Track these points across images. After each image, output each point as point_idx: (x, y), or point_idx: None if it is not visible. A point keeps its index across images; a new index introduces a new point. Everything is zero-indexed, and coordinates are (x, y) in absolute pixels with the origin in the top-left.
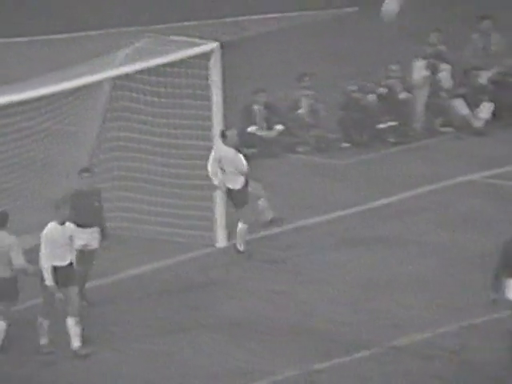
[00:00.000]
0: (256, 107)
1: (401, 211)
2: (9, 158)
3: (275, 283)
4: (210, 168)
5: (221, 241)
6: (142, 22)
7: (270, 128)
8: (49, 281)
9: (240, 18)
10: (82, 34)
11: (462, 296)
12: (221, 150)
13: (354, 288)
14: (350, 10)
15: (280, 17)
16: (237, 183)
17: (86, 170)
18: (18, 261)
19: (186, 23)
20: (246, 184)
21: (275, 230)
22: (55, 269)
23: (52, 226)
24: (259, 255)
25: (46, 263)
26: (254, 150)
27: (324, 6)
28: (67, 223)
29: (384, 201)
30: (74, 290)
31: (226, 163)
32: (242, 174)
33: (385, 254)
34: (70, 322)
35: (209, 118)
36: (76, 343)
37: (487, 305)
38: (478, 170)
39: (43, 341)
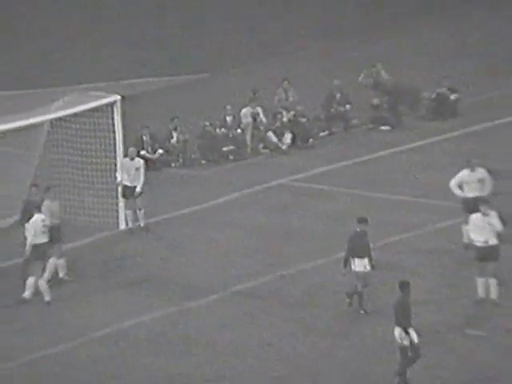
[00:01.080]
0: (144, 137)
1: (239, 203)
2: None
3: (162, 252)
4: (118, 174)
5: (121, 224)
6: (69, 83)
7: (154, 151)
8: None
9: (134, 81)
10: (25, 91)
11: (277, 257)
12: (124, 163)
13: (212, 256)
14: (204, 75)
15: (158, 80)
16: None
17: (35, 185)
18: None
19: (99, 84)
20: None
21: (160, 217)
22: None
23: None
24: (152, 233)
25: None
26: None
27: (189, 72)
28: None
29: (227, 197)
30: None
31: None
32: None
33: (234, 233)
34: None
35: (113, 144)
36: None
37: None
38: (285, 176)
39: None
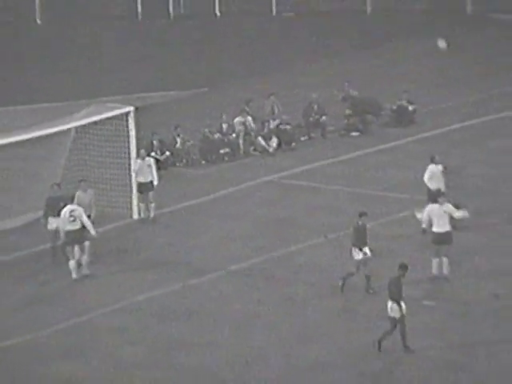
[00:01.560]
0: (154, 142)
1: (234, 197)
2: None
3: (169, 238)
4: (133, 173)
5: (134, 214)
6: (91, 96)
7: (162, 153)
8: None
9: (145, 94)
10: (54, 104)
11: (266, 242)
12: (138, 163)
13: (211, 241)
14: (204, 89)
15: (165, 94)
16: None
17: (57, 184)
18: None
19: (115, 97)
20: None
21: (168, 209)
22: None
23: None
24: (160, 222)
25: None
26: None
27: (191, 87)
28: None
29: (224, 192)
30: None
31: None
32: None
33: (230, 222)
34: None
35: (128, 147)
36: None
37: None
38: (272, 174)
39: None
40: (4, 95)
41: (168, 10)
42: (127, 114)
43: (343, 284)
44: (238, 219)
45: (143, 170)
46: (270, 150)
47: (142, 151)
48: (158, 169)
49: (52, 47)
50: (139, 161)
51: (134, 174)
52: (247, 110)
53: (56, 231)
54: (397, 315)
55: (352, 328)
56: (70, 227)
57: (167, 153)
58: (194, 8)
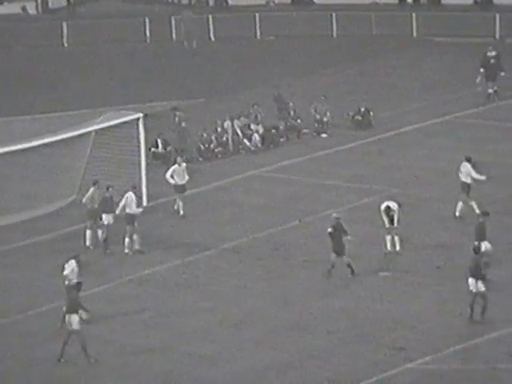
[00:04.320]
0: (159, 140)
1: (225, 187)
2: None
3: (172, 221)
4: (169, 178)
5: (144, 202)
6: (108, 104)
7: (166, 150)
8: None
9: (152, 103)
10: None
11: (252, 224)
12: (175, 169)
13: (206, 223)
14: (201, 100)
15: (168, 103)
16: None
17: (110, 186)
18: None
19: (128, 105)
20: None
21: (171, 197)
22: None
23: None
24: (165, 208)
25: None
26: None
27: (191, 98)
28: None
29: (217, 183)
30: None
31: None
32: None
33: (222, 208)
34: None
35: (138, 147)
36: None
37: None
38: (257, 168)
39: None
40: (37, 105)
41: (171, 34)
42: (138, 119)
43: (329, 271)
44: (228, 205)
45: (180, 174)
46: (252, 148)
47: (179, 158)
48: (162, 163)
49: (77, 66)
50: (176, 166)
51: (171, 180)
52: (234, 116)
53: (108, 226)
54: (475, 290)
55: (324, 294)
56: (128, 211)
57: (169, 147)
58: (193, 33)
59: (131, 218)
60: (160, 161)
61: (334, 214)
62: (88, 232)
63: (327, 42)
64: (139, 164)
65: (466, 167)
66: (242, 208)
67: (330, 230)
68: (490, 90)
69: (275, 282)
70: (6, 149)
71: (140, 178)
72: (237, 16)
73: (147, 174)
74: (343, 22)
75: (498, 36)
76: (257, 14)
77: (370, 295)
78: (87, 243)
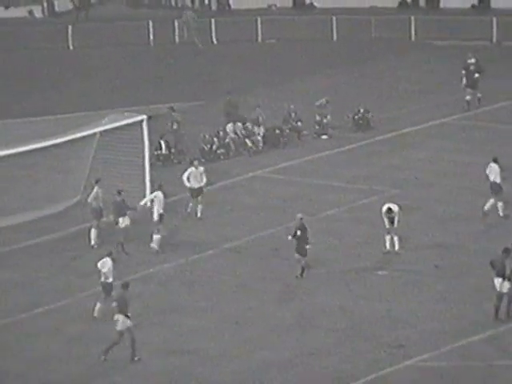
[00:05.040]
0: (162, 141)
1: (228, 187)
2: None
3: (176, 221)
4: (185, 180)
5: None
6: (112, 107)
7: (168, 151)
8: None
9: (155, 106)
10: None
11: (252, 225)
12: (192, 172)
13: (209, 224)
14: (202, 102)
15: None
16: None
17: (121, 190)
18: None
19: (132, 108)
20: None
21: (175, 197)
22: None
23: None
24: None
25: None
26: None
27: (192, 100)
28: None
29: (220, 183)
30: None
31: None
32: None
33: (224, 208)
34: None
35: (142, 148)
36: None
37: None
38: (258, 169)
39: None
40: (42, 107)
41: (174, 38)
42: (141, 121)
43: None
44: (230, 205)
45: (197, 176)
46: (255, 149)
47: (196, 162)
48: (164, 165)
49: (81, 68)
50: (193, 169)
51: (187, 183)
52: (237, 119)
53: (125, 229)
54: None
55: (323, 292)
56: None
57: (172, 150)
58: (201, 31)
59: (161, 218)
60: (161, 163)
61: (299, 215)
62: (93, 231)
63: (328, 46)
64: (143, 165)
65: (493, 168)
66: (244, 208)
67: (298, 233)
68: (468, 97)
69: (275, 281)
70: (12, 150)
71: (144, 180)
72: (239, 20)
73: (151, 175)
74: (343, 25)
75: (494, 39)
76: (258, 18)
77: (369, 294)
78: (92, 242)
